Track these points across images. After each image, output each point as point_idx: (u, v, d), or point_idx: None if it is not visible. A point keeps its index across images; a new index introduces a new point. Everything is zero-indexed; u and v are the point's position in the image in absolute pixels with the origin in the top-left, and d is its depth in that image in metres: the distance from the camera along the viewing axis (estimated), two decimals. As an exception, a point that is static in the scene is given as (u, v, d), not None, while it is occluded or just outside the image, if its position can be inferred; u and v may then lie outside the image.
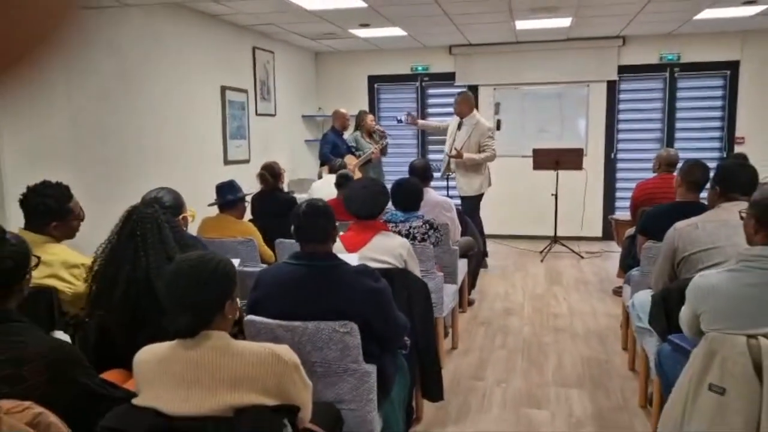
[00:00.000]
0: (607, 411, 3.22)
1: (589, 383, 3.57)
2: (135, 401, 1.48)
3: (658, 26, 6.81)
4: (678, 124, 7.63)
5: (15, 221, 3.46)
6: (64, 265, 2.44)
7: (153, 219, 2.25)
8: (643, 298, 3.16)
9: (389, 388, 2.42)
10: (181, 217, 2.60)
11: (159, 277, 2.17)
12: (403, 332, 2.46)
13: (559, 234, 7.00)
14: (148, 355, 1.53)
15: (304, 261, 2.24)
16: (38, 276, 2.31)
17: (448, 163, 6.22)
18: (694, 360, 2.07)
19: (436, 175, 5.29)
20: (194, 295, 1.49)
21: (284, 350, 1.55)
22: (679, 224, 2.83)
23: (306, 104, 8.21)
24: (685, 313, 2.22)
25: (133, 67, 4.75)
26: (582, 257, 6.82)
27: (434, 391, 2.99)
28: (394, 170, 7.30)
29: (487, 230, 6.43)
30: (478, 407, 3.29)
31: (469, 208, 6.00)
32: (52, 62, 0.59)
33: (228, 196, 3.93)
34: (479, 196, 6.16)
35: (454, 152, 6.01)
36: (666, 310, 2.61)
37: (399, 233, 3.51)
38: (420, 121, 6.97)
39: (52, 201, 2.48)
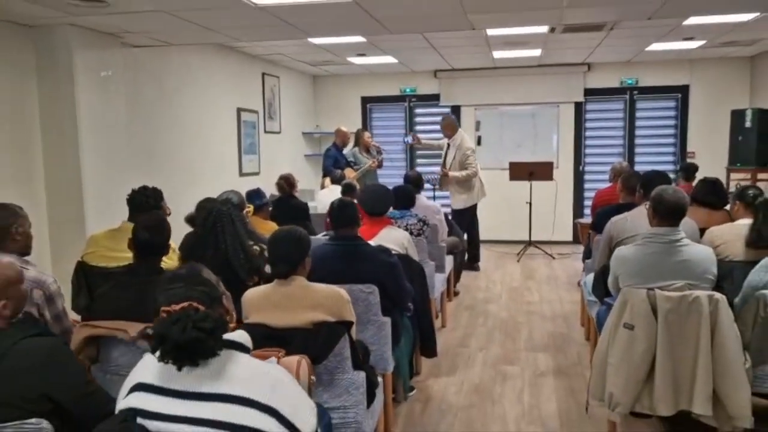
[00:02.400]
0: (565, 366, 4.11)
1: (552, 348, 4.46)
2: (246, 321, 2.33)
3: (617, 55, 7.80)
4: (637, 140, 8.64)
5: (92, 211, 4.32)
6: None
7: (227, 214, 3.10)
8: (592, 278, 4.06)
9: (398, 337, 3.28)
10: (244, 212, 3.46)
11: (234, 257, 3.03)
12: (409, 296, 3.32)
13: (533, 238, 7.93)
14: (254, 293, 2.38)
15: (339, 242, 3.10)
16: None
17: (441, 180, 7.05)
18: (614, 308, 2.96)
19: (428, 186, 6.20)
20: (289, 251, 2.35)
21: (342, 290, 2.42)
22: (614, 218, 3.76)
23: (306, 122, 9.09)
24: (610, 276, 3.12)
25: (169, 94, 5.61)
26: (553, 258, 7.74)
27: (430, 349, 3.85)
28: (387, 181, 8.16)
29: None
30: (464, 365, 4.16)
31: (463, 219, 6.76)
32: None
33: (256, 201, 4.77)
34: (470, 208, 6.91)
35: (442, 172, 6.89)
36: (603, 281, 3.51)
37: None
38: (423, 141, 7.64)
39: (151, 200, 3.32)
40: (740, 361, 2.81)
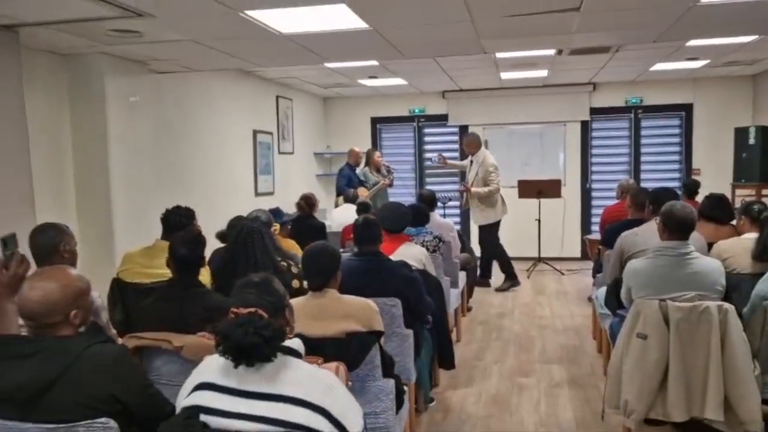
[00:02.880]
0: (579, 377, 4.23)
1: (565, 360, 4.58)
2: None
3: (621, 75, 7.99)
4: (643, 158, 8.80)
5: (120, 229, 4.49)
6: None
7: (258, 231, 3.27)
8: (604, 291, 4.20)
9: (420, 348, 3.42)
10: (272, 229, 3.63)
11: (264, 271, 3.18)
12: (429, 309, 3.47)
13: (542, 254, 8.06)
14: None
15: (363, 257, 3.26)
16: (174, 271, 3.31)
17: (467, 197, 7.16)
18: (627, 319, 3.10)
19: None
20: (322, 265, 2.51)
21: (371, 302, 2.57)
22: (625, 233, 3.91)
23: (317, 143, 9.30)
24: (623, 289, 3.26)
25: (191, 117, 5.82)
26: (563, 274, 7.87)
27: (448, 361, 3.98)
28: (397, 199, 8.29)
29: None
30: (480, 377, 4.29)
31: (489, 235, 6.93)
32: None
33: (277, 220, 4.93)
34: (492, 225, 7.01)
35: (462, 187, 7.04)
36: (615, 294, 3.64)
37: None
38: (449, 162, 7.73)
39: (184, 219, 3.49)
40: (750, 368, 2.93)
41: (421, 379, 3.58)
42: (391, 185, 7.98)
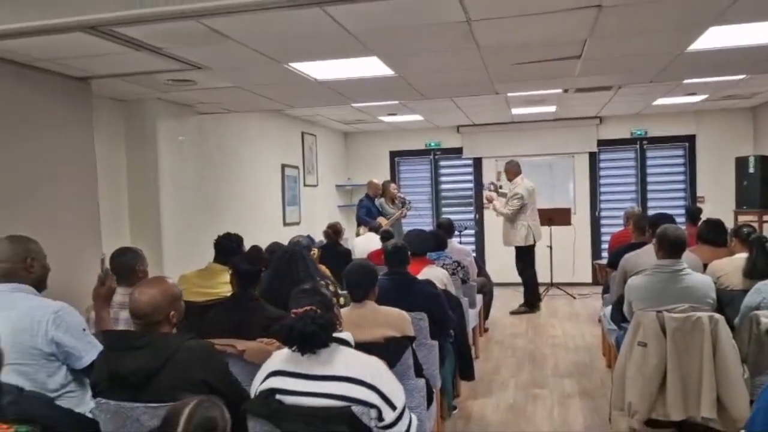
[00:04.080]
0: (590, 389, 4.59)
1: (576, 375, 4.94)
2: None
3: (626, 109, 8.46)
4: (649, 186, 9.21)
5: (169, 254, 4.95)
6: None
7: (300, 254, 3.72)
8: (610, 309, 4.58)
9: (444, 358, 3.82)
10: (311, 253, 4.08)
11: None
12: (451, 323, 3.88)
13: (554, 279, 8.43)
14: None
15: (394, 276, 3.69)
16: (227, 290, 3.76)
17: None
18: (629, 329, 3.49)
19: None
20: (363, 279, 2.95)
21: (404, 312, 3.00)
22: (627, 255, 4.32)
23: (338, 176, 9.82)
24: (625, 303, 3.66)
25: (228, 153, 6.35)
26: (574, 298, 8.22)
27: (468, 373, 4.36)
28: (413, 228, 8.76)
29: (495, 279, 7.55)
30: (498, 389, 4.66)
31: (525, 257, 7.30)
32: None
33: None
34: (520, 249, 7.32)
35: (491, 188, 7.47)
36: (619, 309, 4.03)
37: (437, 269, 4.95)
38: (500, 191, 7.80)
39: (234, 244, 3.95)
40: (739, 372, 3.30)
41: (444, 388, 3.97)
42: (404, 216, 8.41)
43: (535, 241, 7.37)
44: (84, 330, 2.53)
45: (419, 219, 9.36)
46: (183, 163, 5.30)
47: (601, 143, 9.25)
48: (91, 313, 2.99)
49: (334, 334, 2.17)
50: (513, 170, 7.50)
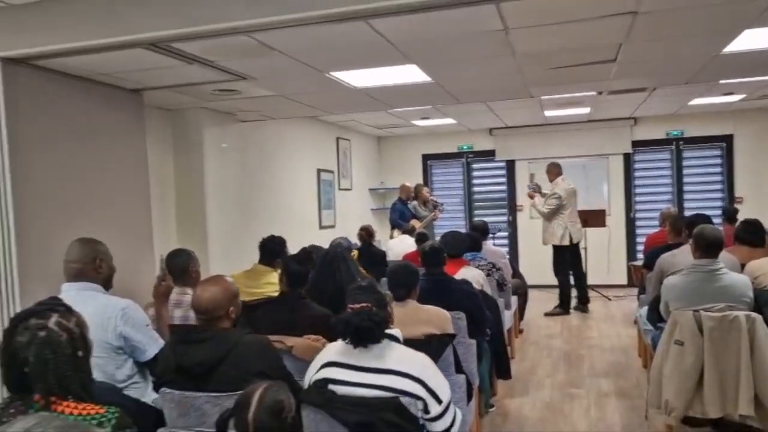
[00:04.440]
0: (626, 389, 4.63)
1: (613, 375, 4.99)
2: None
3: (661, 109, 8.42)
4: (686, 187, 9.14)
5: (214, 255, 5.15)
6: (283, 284, 4.04)
7: (341, 255, 3.87)
8: (646, 309, 4.62)
9: (481, 356, 3.92)
10: (352, 253, 4.23)
11: (348, 287, 3.77)
12: (488, 322, 3.98)
13: (589, 281, 8.40)
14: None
15: (432, 277, 3.82)
16: (272, 290, 3.94)
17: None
18: (666, 328, 3.55)
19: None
20: (405, 279, 3.08)
21: (444, 310, 3.12)
22: (663, 255, 4.36)
23: (371, 179, 9.97)
24: (661, 303, 3.71)
25: (267, 159, 6.57)
26: (610, 299, 8.21)
27: (505, 371, 4.46)
28: (446, 231, 8.85)
29: (529, 280, 7.54)
30: (534, 388, 4.74)
31: (560, 257, 7.41)
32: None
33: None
34: (557, 249, 7.42)
35: (534, 188, 7.59)
36: (656, 309, 4.08)
37: (473, 270, 5.06)
38: (542, 191, 7.92)
39: (278, 246, 4.13)
40: (776, 370, 3.34)
41: (482, 386, 4.07)
42: (436, 218, 8.53)
43: (572, 242, 7.39)
44: (147, 325, 2.72)
45: (452, 221, 9.46)
46: (226, 169, 5.51)
47: (636, 144, 9.21)
48: (150, 309, 3.19)
49: (386, 331, 2.30)
50: (554, 171, 7.59)
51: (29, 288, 3.30)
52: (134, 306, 2.70)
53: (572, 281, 7.62)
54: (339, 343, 2.33)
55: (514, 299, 6.03)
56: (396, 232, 7.90)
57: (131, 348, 2.66)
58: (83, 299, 2.64)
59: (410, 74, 4.15)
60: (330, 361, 2.31)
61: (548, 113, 8.19)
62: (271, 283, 4.04)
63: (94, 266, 2.71)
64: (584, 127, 9.26)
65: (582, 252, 8.27)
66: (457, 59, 3.84)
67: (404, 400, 2.19)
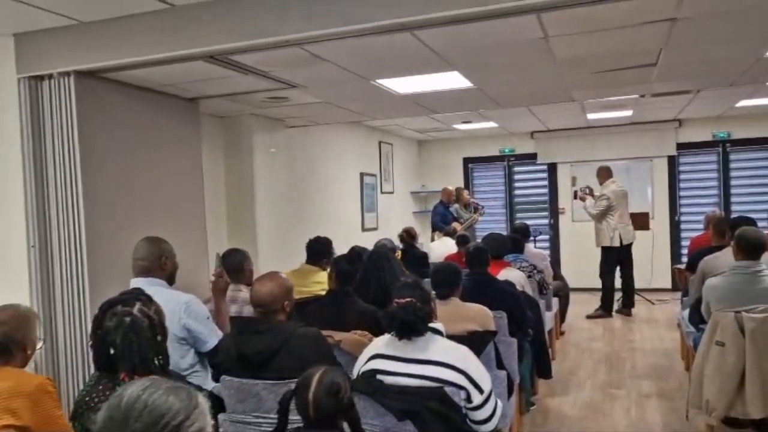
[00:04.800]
0: (667, 391, 4.65)
1: (654, 377, 5.00)
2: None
3: (707, 111, 8.30)
4: (733, 190, 8.97)
5: (263, 255, 5.38)
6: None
7: (386, 256, 4.03)
8: (689, 311, 4.63)
9: (522, 356, 4.02)
10: (396, 254, 4.39)
11: (392, 285, 3.92)
12: (529, 322, 4.08)
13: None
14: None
15: (475, 276, 3.94)
16: (319, 288, 4.13)
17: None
18: (707, 329, 3.58)
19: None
20: (449, 278, 3.22)
21: (486, 308, 3.24)
22: (706, 257, 4.38)
23: (412, 183, 10.12)
24: (703, 304, 3.75)
25: (313, 163, 6.79)
26: (653, 303, 8.14)
27: (545, 371, 4.53)
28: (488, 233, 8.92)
29: (571, 283, 7.51)
30: (575, 388, 4.80)
31: (606, 257, 7.46)
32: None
33: (389, 249, 5.71)
34: (604, 250, 7.48)
35: (586, 190, 7.66)
36: (698, 310, 4.10)
37: (514, 271, 5.15)
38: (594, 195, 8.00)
39: (324, 246, 4.32)
40: (820, 372, 3.34)
41: (523, 384, 4.16)
42: (477, 221, 8.62)
43: (622, 243, 7.38)
44: (208, 318, 2.93)
45: (493, 224, 9.52)
46: (274, 173, 5.74)
47: (681, 146, 9.10)
48: (208, 304, 3.41)
49: (429, 324, 2.45)
50: (604, 174, 7.65)
51: (97, 281, 3.56)
52: (196, 300, 2.91)
53: (619, 284, 7.59)
54: (386, 337, 2.49)
55: (555, 301, 6.08)
56: (437, 235, 8.03)
57: (194, 339, 2.87)
58: (150, 293, 2.86)
59: (452, 80, 4.29)
60: (377, 353, 2.46)
61: (591, 116, 8.19)
62: (318, 282, 4.23)
63: (160, 264, 2.93)
64: (627, 130, 9.20)
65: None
66: (497, 65, 3.96)
67: (448, 389, 2.33)
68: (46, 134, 3.62)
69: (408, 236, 6.53)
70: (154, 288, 2.90)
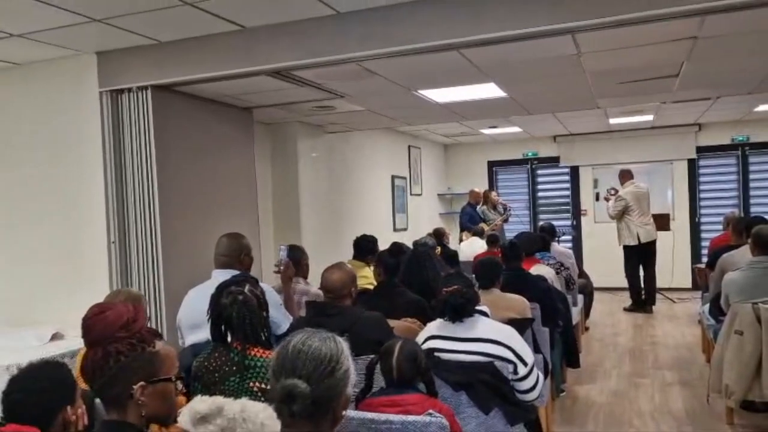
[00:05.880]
0: (689, 380, 4.95)
1: (676, 368, 5.30)
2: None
3: (726, 116, 8.55)
4: (752, 192, 9.20)
5: (307, 247, 5.75)
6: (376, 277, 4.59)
7: (426, 253, 4.39)
8: (709, 304, 4.94)
9: (553, 345, 4.36)
10: (436, 250, 4.75)
11: (435, 282, 4.28)
12: (559, 314, 4.42)
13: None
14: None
15: (510, 271, 4.28)
16: (365, 282, 4.50)
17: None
18: (726, 319, 3.90)
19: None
20: (491, 271, 3.57)
21: (524, 299, 3.60)
22: (724, 255, 4.68)
23: (439, 185, 10.48)
24: (722, 297, 4.06)
25: (349, 166, 7.19)
26: (674, 302, 8.41)
27: (574, 360, 4.86)
28: (513, 234, 9.24)
29: (593, 282, 7.77)
30: (601, 377, 5.12)
31: (629, 256, 7.83)
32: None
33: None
34: (626, 249, 7.85)
35: (610, 192, 7.98)
36: (717, 303, 4.41)
37: (543, 268, 5.48)
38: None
39: (370, 244, 4.69)
40: (832, 358, 3.64)
41: (554, 371, 4.49)
42: (506, 221, 8.95)
43: (641, 242, 7.72)
44: (280, 304, 3.31)
45: (518, 225, 9.82)
46: (315, 176, 6.14)
47: (701, 150, 9.35)
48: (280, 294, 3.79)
49: (476, 307, 2.81)
50: (624, 176, 8.04)
51: (170, 273, 3.98)
52: (269, 288, 3.28)
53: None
54: (437, 321, 2.86)
55: (580, 297, 6.39)
56: (465, 235, 8.36)
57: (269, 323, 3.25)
58: (232, 281, 3.26)
59: (488, 91, 4.65)
60: (432, 335, 2.83)
61: (612, 121, 8.48)
62: (365, 277, 4.60)
63: (239, 259, 3.31)
64: (648, 134, 9.46)
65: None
66: (531, 77, 4.31)
67: (497, 363, 2.68)
68: (125, 141, 4.05)
69: (438, 236, 6.89)
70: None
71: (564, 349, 4.79)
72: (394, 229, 8.41)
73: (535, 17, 2.99)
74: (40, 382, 1.73)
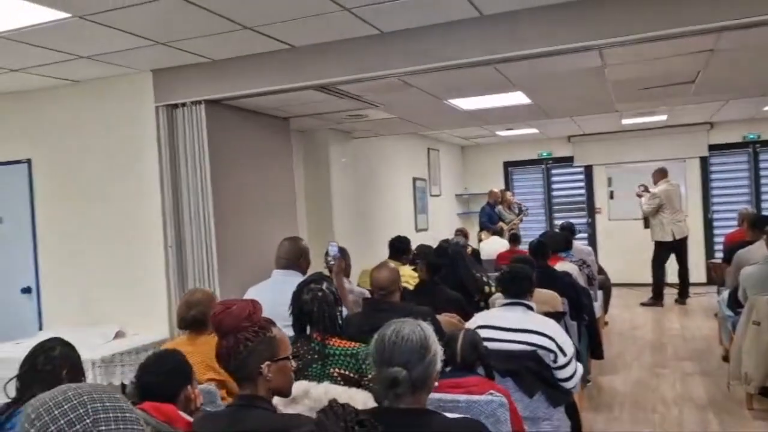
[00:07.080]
0: (708, 370, 5.22)
1: (696, 359, 5.57)
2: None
3: (738, 114, 8.77)
4: (764, 189, 9.43)
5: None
6: (410, 275, 4.89)
7: (459, 253, 4.68)
8: (726, 298, 5.20)
9: (580, 336, 4.64)
10: (468, 249, 5.04)
11: (468, 281, 4.57)
12: (584, 308, 4.69)
13: (668, 280, 8.86)
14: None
15: (539, 269, 4.55)
16: (403, 280, 4.78)
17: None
18: (744, 311, 4.16)
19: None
20: (521, 277, 3.86)
21: (555, 293, 3.88)
22: (740, 250, 4.94)
23: (457, 186, 10.76)
24: (739, 290, 4.33)
25: (374, 170, 7.48)
26: (689, 296, 8.65)
27: (598, 352, 5.13)
28: (531, 233, 9.50)
29: (612, 279, 8.20)
30: (623, 368, 5.39)
31: (659, 251, 8.16)
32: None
33: (449, 247, 6.35)
34: (657, 244, 8.16)
35: (642, 189, 8.27)
36: (735, 297, 4.68)
37: (565, 265, 5.76)
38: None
39: (404, 244, 4.98)
40: None
41: (582, 356, 4.77)
42: (521, 221, 9.23)
43: (675, 238, 8.02)
44: (334, 300, 3.60)
45: (534, 224, 10.10)
46: (345, 180, 6.44)
47: (713, 148, 9.58)
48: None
49: (524, 301, 3.11)
50: (658, 175, 8.32)
51: (224, 274, 4.28)
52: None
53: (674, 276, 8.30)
54: (483, 313, 3.15)
55: (599, 293, 6.66)
56: (484, 234, 8.64)
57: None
58: (291, 280, 3.55)
59: (515, 98, 4.93)
60: (481, 324, 3.12)
61: (625, 121, 8.73)
62: (402, 275, 4.88)
63: (298, 262, 3.60)
64: (661, 132, 9.70)
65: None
66: (556, 86, 4.59)
67: (540, 352, 2.97)
68: (179, 152, 4.35)
69: (462, 235, 7.18)
70: (293, 278, 3.58)
71: (589, 341, 5.07)
72: (416, 230, 8.70)
73: (568, 35, 3.27)
74: (166, 366, 2.04)
